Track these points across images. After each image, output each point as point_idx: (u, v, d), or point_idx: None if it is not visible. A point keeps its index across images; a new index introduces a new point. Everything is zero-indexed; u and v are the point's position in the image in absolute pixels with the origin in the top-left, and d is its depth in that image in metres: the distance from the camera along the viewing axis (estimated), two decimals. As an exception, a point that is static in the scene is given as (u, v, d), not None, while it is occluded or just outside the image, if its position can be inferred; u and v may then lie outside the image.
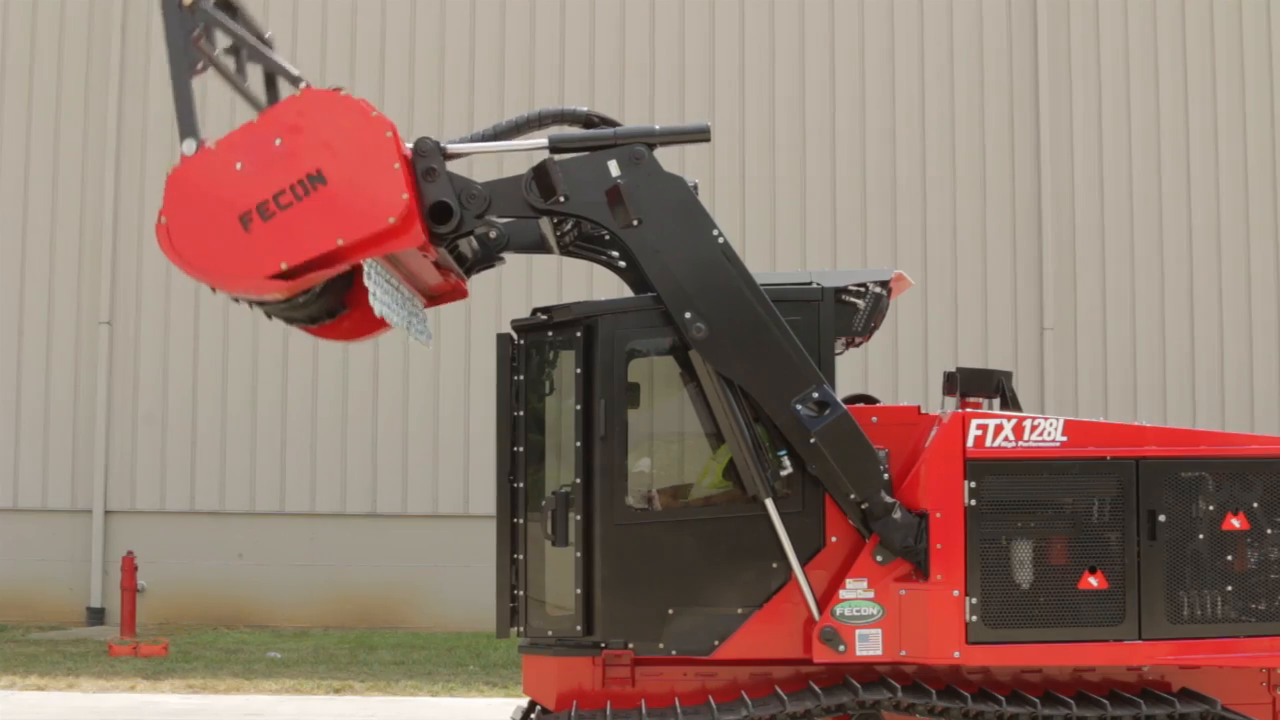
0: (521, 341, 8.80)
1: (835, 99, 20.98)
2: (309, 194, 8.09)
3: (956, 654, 8.18)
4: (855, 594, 8.24)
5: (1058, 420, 8.30)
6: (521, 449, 8.73)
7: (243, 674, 16.17)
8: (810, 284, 8.68)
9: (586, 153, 8.46)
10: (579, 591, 8.54)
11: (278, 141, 8.15)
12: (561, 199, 8.33)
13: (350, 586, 20.44)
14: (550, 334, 8.74)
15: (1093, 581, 8.21)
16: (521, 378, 8.74)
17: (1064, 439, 8.26)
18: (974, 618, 8.15)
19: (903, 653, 8.24)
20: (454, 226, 8.32)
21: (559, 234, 9.10)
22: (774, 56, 21.03)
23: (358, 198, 8.09)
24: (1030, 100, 20.88)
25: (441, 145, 8.37)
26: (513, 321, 8.89)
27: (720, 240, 8.39)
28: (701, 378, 8.43)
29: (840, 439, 8.23)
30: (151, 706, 14.17)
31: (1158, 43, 20.88)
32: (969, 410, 8.44)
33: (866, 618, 8.23)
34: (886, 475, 8.30)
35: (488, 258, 9.44)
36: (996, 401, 9.01)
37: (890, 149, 20.92)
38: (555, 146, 8.49)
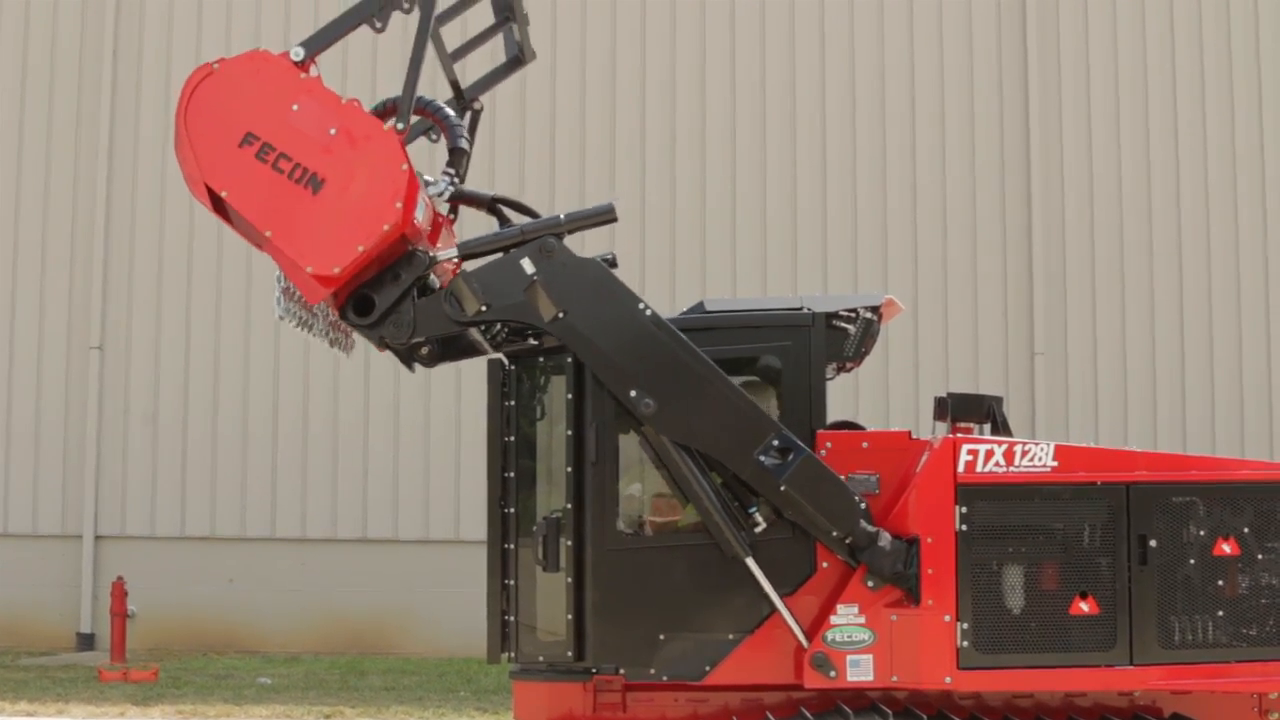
0: (512, 367, 8.82)
1: (826, 125, 21.01)
2: (299, 183, 8.14)
3: (948, 679, 8.18)
4: (846, 619, 8.24)
5: (1048, 445, 8.31)
6: (513, 474, 8.74)
7: (233, 700, 16.12)
8: (801, 309, 8.70)
9: (498, 255, 8.44)
10: (570, 617, 8.53)
11: (332, 131, 8.19)
12: (483, 309, 8.31)
13: (341, 612, 20.39)
14: (541, 359, 8.76)
15: (1084, 606, 8.21)
16: (512, 403, 8.75)
17: (1055, 464, 8.27)
18: (965, 643, 8.15)
19: (894, 678, 8.24)
20: (366, 324, 8.36)
21: (489, 336, 9.06)
22: (764, 82, 21.07)
23: (313, 230, 8.14)
24: (1021, 126, 20.91)
25: (432, 258, 8.37)
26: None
27: (648, 312, 8.36)
28: (659, 449, 8.42)
29: (810, 481, 8.23)
30: (141, 732, 14.15)
31: (1147, 77, 20.91)
32: (960, 435, 8.47)
33: (858, 643, 8.23)
34: (864, 504, 8.29)
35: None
36: (987, 426, 9.03)
37: (881, 175, 20.94)
38: (465, 254, 8.48)
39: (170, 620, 20.34)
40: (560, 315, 8.29)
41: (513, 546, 8.73)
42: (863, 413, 19.50)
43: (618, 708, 8.61)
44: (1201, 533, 8.32)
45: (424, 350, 8.75)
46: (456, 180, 9.03)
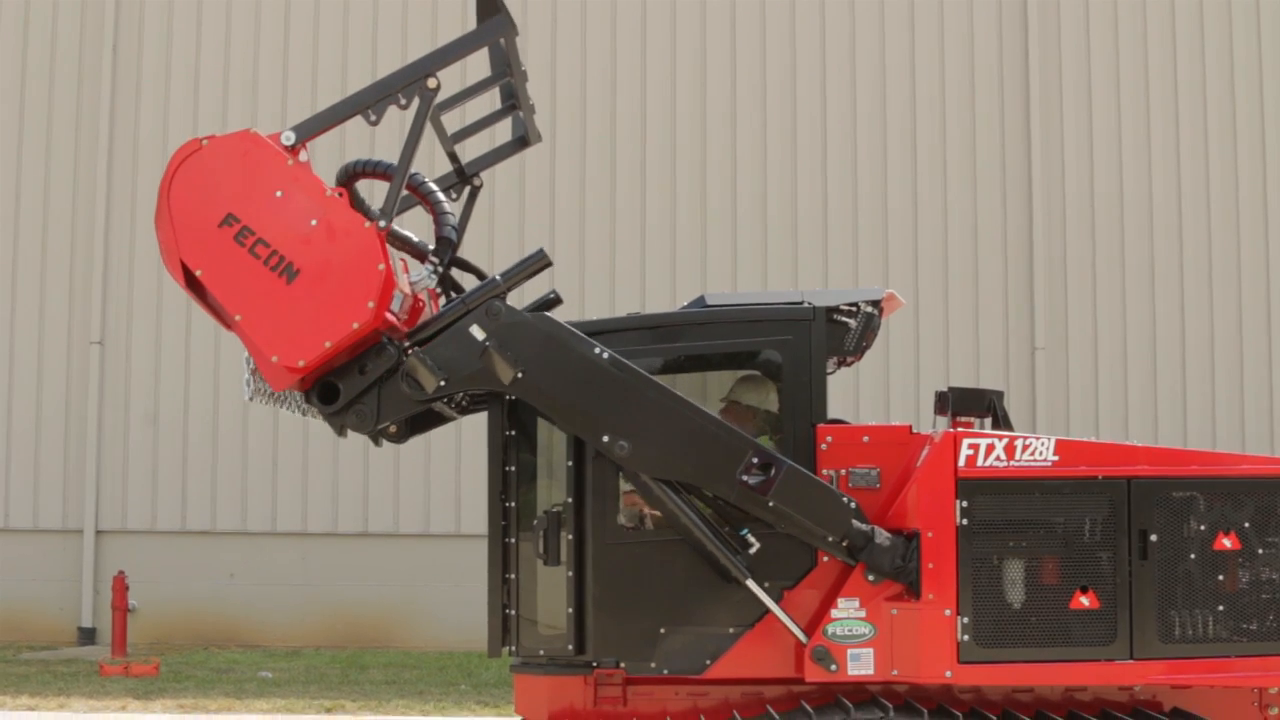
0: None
1: (827, 120, 21.01)
2: (274, 270, 8.15)
3: (948, 673, 8.18)
4: (847, 613, 8.24)
5: (1049, 440, 8.30)
6: (513, 468, 8.73)
7: (234, 694, 16.14)
8: (802, 303, 8.69)
9: (445, 330, 8.42)
10: (570, 611, 8.54)
11: (313, 222, 8.19)
12: (442, 384, 8.30)
13: (342, 606, 20.40)
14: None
15: (1084, 601, 8.21)
16: (513, 397, 8.74)
17: (1055, 458, 8.26)
18: (966, 637, 8.14)
19: (895, 672, 8.23)
20: (330, 412, 8.39)
21: (452, 405, 9.04)
22: (765, 77, 21.07)
23: (283, 320, 8.15)
24: (1022, 122, 20.91)
25: (401, 348, 8.35)
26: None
27: (604, 355, 8.34)
28: (645, 487, 8.41)
29: (796, 491, 8.23)
30: (142, 727, 14.16)
31: (1149, 73, 20.92)
32: (961, 430, 8.44)
33: (858, 637, 8.23)
34: (854, 504, 8.29)
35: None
36: (988, 421, 9.01)
37: (882, 170, 20.94)
38: (415, 340, 8.44)
39: (171, 614, 20.35)
40: (519, 376, 8.29)
41: (513, 540, 8.72)
42: (863, 407, 19.56)
43: (618, 701, 8.61)
44: (1202, 527, 8.30)
45: (391, 430, 8.74)
46: (439, 269, 9.02)
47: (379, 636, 20.32)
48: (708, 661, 8.49)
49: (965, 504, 8.18)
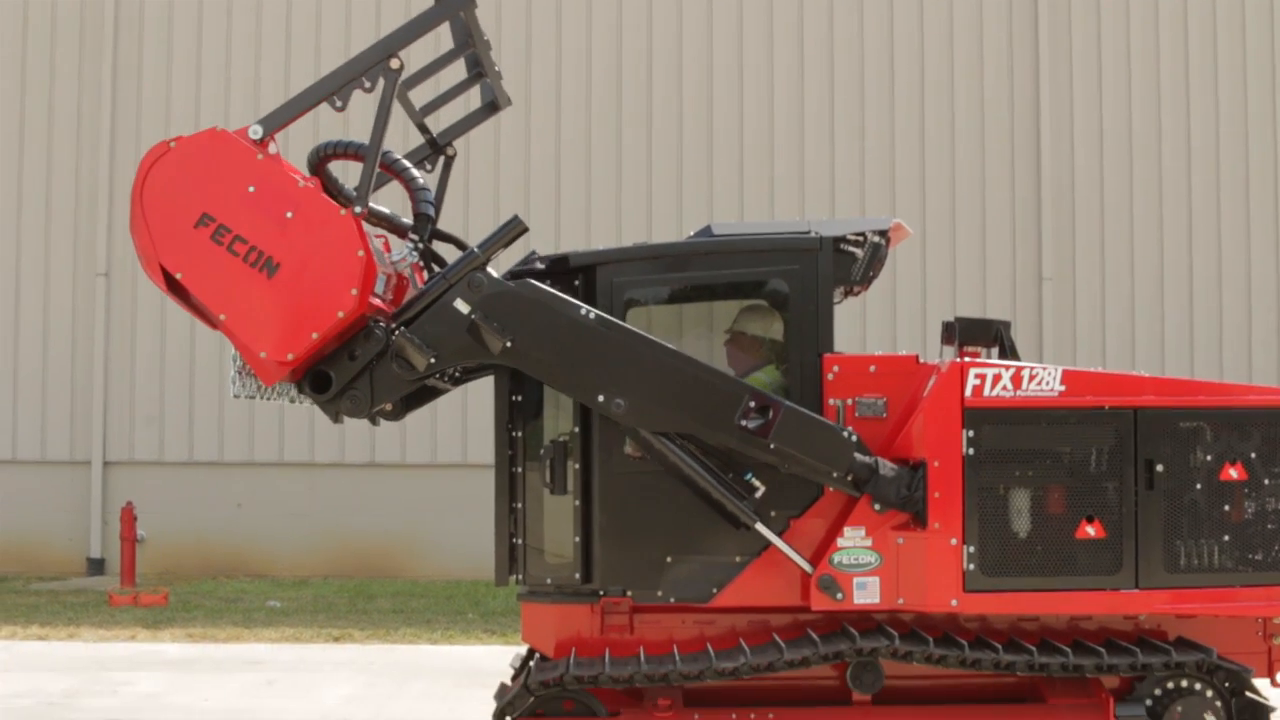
0: (520, 290, 8.77)
1: (833, 47, 20.90)
2: (254, 266, 8.13)
3: (954, 602, 8.20)
4: (853, 542, 8.26)
5: (1056, 370, 8.29)
6: (520, 398, 8.74)
7: (242, 623, 16.23)
8: (808, 233, 8.66)
9: (430, 307, 8.40)
10: (577, 540, 8.57)
11: (289, 214, 8.16)
12: (432, 360, 8.30)
13: (349, 536, 20.48)
14: (548, 283, 8.72)
15: (1090, 531, 8.22)
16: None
17: (1062, 388, 8.25)
18: (972, 566, 8.16)
19: (900, 601, 8.26)
20: (324, 400, 8.41)
21: (444, 378, 9.01)
22: (772, 3, 20.94)
23: (268, 315, 8.15)
24: (1030, 48, 20.80)
25: (389, 330, 8.35)
26: (510, 270, 8.88)
27: (591, 315, 8.32)
28: (646, 443, 8.42)
29: (795, 431, 8.22)
30: (152, 655, 14.23)
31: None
32: (967, 360, 8.43)
33: (864, 566, 8.25)
34: (855, 437, 8.27)
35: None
36: (995, 351, 9.00)
37: (889, 99, 20.85)
38: (401, 321, 8.42)
39: (179, 545, 20.45)
40: (508, 345, 8.27)
41: (520, 470, 8.74)
42: (870, 337, 19.56)
43: (625, 629, 8.65)
44: (1208, 458, 8.31)
45: (387, 409, 8.76)
46: (420, 246, 9.01)
47: (386, 566, 20.40)
48: (714, 590, 8.52)
49: (972, 434, 8.18)
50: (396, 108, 8.63)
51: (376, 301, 8.37)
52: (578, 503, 8.56)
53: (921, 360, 8.59)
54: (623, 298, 8.59)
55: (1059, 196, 20.70)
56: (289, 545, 20.58)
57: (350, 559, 20.46)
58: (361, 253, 8.12)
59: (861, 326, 19.81)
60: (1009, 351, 9.01)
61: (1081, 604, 8.38)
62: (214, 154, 8.26)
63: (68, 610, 17.01)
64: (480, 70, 9.75)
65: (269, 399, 8.81)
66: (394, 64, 8.37)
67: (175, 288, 8.32)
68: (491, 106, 10.08)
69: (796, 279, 8.55)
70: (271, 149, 8.35)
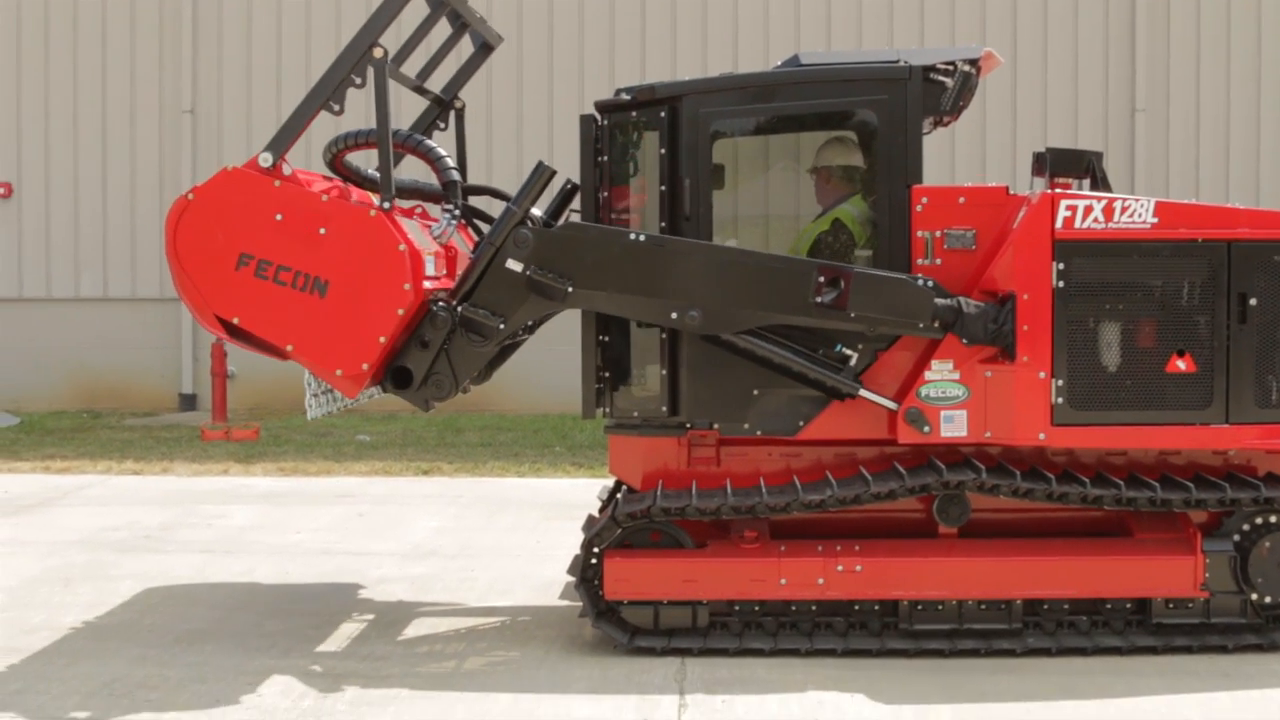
0: (605, 123, 8.71)
1: (924, -126, 20.45)
2: (304, 290, 8.22)
3: (1042, 435, 8.17)
4: (941, 375, 8.22)
5: (1149, 201, 8.14)
6: (608, 227, 8.71)
7: (333, 457, 16.46)
8: (898, 62, 8.51)
9: (484, 275, 8.42)
10: (664, 373, 8.59)
11: (322, 230, 8.22)
12: (501, 326, 8.39)
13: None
14: (634, 115, 8.66)
15: (1180, 365, 8.14)
16: (605, 159, 8.68)
17: (1155, 220, 8.11)
18: (1060, 400, 8.11)
19: (988, 434, 8.24)
20: (409, 393, 8.60)
21: (519, 331, 8.96)
22: None
23: (331, 333, 8.25)
24: (1126, -127, 20.27)
25: (453, 309, 8.41)
26: (596, 102, 8.81)
27: (641, 238, 8.31)
28: (731, 344, 8.41)
29: (871, 294, 8.17)
30: (245, 488, 14.48)
31: None
32: (1058, 191, 8.30)
33: (952, 399, 8.22)
34: (930, 283, 8.18)
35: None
36: (1086, 182, 8.86)
37: (980, -75, 20.42)
38: (461, 298, 8.46)
39: (269, 380, 20.63)
40: (569, 291, 8.32)
41: (608, 304, 8.74)
42: (959, 168, 19.35)
43: (712, 462, 8.69)
44: (1302, 291, 8.18)
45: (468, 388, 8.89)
46: (456, 212, 9.03)
47: (474, 400, 20.41)
48: (801, 423, 8.53)
49: (1062, 266, 8.07)
50: (396, 87, 8.69)
51: (431, 285, 8.46)
52: (664, 336, 8.55)
53: (1012, 191, 8.47)
54: (709, 130, 8.49)
55: (1154, 25, 20.26)
56: (377, 380, 20.73)
57: (438, 394, 20.59)
58: (402, 246, 8.22)
59: (951, 158, 19.59)
60: (1101, 183, 8.87)
61: (1170, 438, 8.32)
62: (232, 194, 8.36)
63: (161, 445, 17.32)
64: (463, 21, 9.85)
65: (350, 406, 9.12)
66: (377, 53, 8.43)
67: (235, 331, 8.45)
68: (485, 48, 10.25)
69: (885, 109, 8.42)
70: (285, 170, 8.41)
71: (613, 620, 8.41)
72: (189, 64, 20.90)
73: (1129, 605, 8.43)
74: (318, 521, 12.55)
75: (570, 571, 8.48)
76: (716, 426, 8.61)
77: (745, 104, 8.67)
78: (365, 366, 8.29)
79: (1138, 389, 8.16)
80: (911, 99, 8.41)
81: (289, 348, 8.36)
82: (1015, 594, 8.32)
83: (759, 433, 8.58)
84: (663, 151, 8.49)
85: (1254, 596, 8.33)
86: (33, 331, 21.16)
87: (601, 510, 9.19)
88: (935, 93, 8.59)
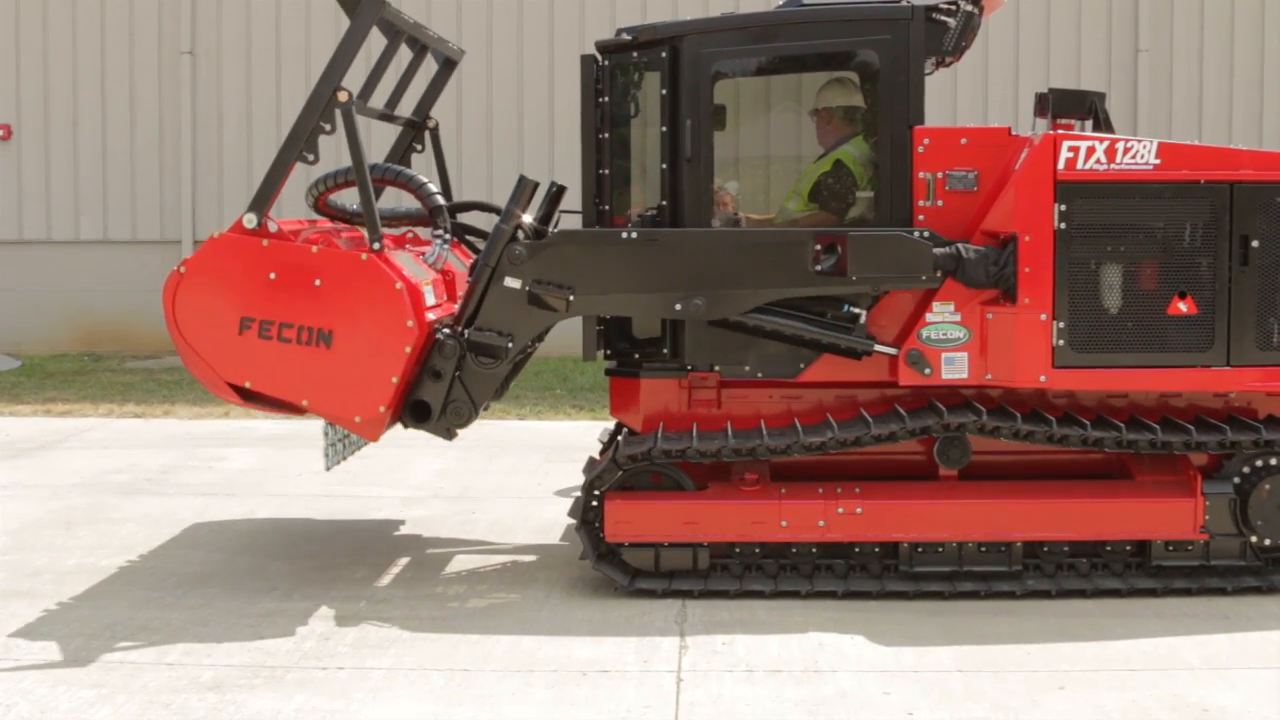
0: (606, 63, 8.67)
1: None
2: (310, 344, 8.27)
3: (1043, 378, 8.16)
4: (942, 317, 8.21)
5: (1151, 143, 8.11)
6: (607, 172, 8.68)
7: (334, 399, 16.42)
8: (899, 2, 8.46)
9: (485, 297, 8.43)
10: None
11: (317, 282, 8.26)
12: (509, 345, 8.38)
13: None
14: (635, 55, 8.61)
15: (1182, 307, 8.12)
16: (606, 100, 8.64)
17: (1157, 162, 8.08)
18: (1061, 342, 8.10)
19: (988, 376, 8.23)
20: (430, 426, 8.55)
21: (531, 344, 8.88)
22: None
23: (343, 382, 8.28)
24: None
25: (459, 334, 8.43)
26: (597, 42, 8.77)
27: (632, 235, 8.31)
28: (740, 325, 8.41)
29: (869, 255, 8.16)
30: (246, 431, 14.50)
31: None
32: (1060, 132, 8.26)
33: (953, 341, 8.21)
34: (926, 234, 8.17)
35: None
36: (1089, 123, 8.81)
37: None
38: (466, 322, 8.47)
39: (271, 323, 20.65)
40: (570, 299, 8.31)
41: (610, 246, 8.73)
42: (961, 108, 19.28)
43: (713, 404, 8.70)
44: (1305, 233, 8.15)
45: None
46: (446, 235, 9.09)
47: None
48: (801, 365, 8.52)
49: (1064, 207, 8.05)
50: (368, 120, 8.73)
51: (434, 315, 8.49)
52: (668, 275, 8.55)
53: (1014, 132, 8.43)
54: (710, 70, 8.45)
55: (1158, -35, 20.16)
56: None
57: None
58: (399, 284, 8.24)
59: (953, 98, 19.51)
60: (1103, 124, 8.82)
61: (1171, 381, 8.32)
62: (223, 260, 8.42)
63: (162, 388, 17.32)
64: (421, 43, 10.02)
65: (359, 450, 9.42)
66: (342, 97, 8.44)
67: (249, 395, 8.51)
68: (449, 64, 10.44)
69: (887, 49, 8.37)
70: (271, 227, 8.45)
71: (613, 562, 8.44)
72: (188, 5, 20.76)
73: (1129, 548, 8.45)
74: (319, 464, 12.56)
75: (571, 514, 8.49)
76: (717, 369, 8.61)
77: (747, 44, 8.64)
78: (382, 409, 8.32)
79: (1139, 331, 8.14)
80: (914, 39, 8.36)
81: (304, 403, 8.42)
82: (1015, 536, 8.34)
83: (760, 375, 8.58)
84: (664, 92, 8.45)
85: (1253, 539, 8.35)
86: (33, 274, 21.12)
87: (602, 453, 9.19)
88: (937, 33, 8.55)
